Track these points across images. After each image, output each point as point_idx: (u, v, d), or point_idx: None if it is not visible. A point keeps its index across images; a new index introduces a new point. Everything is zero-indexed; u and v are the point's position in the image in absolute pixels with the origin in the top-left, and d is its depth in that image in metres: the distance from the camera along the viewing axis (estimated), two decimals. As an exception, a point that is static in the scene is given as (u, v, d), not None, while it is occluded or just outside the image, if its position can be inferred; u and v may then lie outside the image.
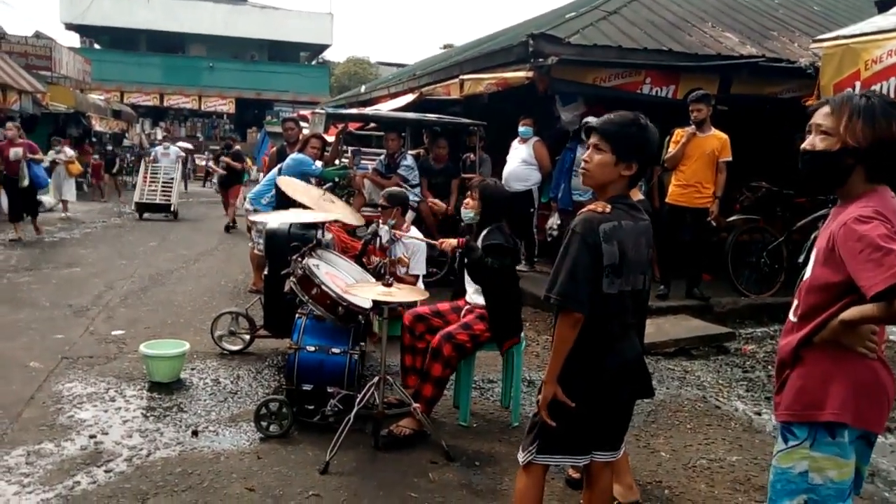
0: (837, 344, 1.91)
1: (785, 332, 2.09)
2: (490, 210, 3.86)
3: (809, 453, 1.96)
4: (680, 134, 6.26)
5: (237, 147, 14.44)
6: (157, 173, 14.68)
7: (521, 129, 7.63)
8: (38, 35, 20.27)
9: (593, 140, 2.37)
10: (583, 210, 2.37)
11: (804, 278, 2.03)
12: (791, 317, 2.07)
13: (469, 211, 3.91)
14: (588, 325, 2.27)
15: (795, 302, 2.06)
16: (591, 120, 3.07)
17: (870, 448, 2.05)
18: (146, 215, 14.20)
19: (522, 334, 4.11)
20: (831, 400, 1.92)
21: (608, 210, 2.30)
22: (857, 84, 5.66)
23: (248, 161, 19.46)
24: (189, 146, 17.18)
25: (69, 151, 14.50)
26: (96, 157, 19.31)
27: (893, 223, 1.83)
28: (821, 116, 1.96)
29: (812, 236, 6.89)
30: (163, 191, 14.51)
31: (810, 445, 1.95)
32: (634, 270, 2.35)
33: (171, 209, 14.32)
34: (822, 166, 1.96)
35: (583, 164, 2.42)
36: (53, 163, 13.65)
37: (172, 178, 14.74)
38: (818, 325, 1.93)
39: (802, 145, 2.00)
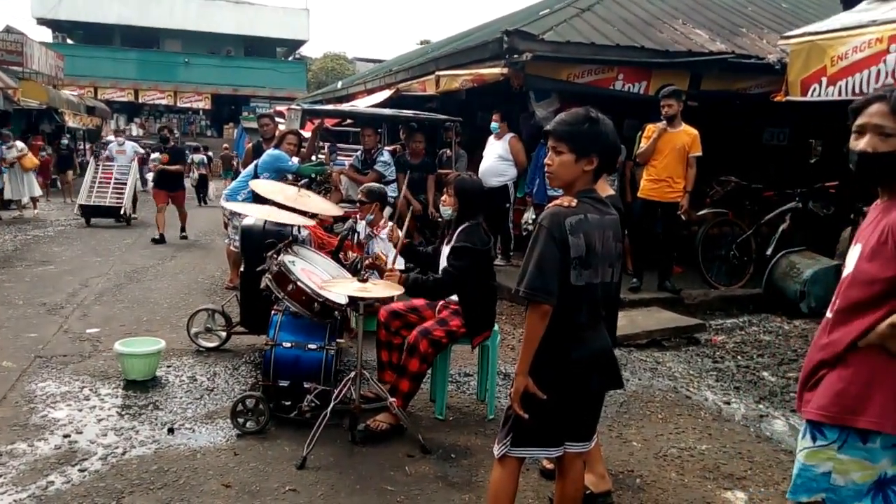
0: (883, 349, 1.87)
1: (822, 329, 2.04)
2: (466, 205, 3.89)
3: (836, 455, 1.93)
4: (651, 129, 6.35)
5: (182, 143, 12.42)
6: (109, 172, 12.91)
7: (492, 124, 7.71)
8: (8, 30, 19.88)
9: (551, 143, 2.42)
10: (550, 204, 2.42)
11: (844, 275, 2.00)
12: (828, 313, 2.03)
13: (447, 208, 3.94)
14: (556, 316, 2.32)
15: (834, 298, 2.03)
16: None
17: None
18: (94, 221, 12.48)
19: (497, 327, 4.16)
20: (872, 407, 1.88)
21: (574, 204, 2.36)
22: (823, 80, 5.80)
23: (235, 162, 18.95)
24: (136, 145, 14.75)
25: (20, 145, 13.65)
26: (44, 153, 17.03)
27: None
28: (878, 117, 1.89)
29: (779, 229, 7.07)
30: (115, 192, 12.68)
31: (838, 448, 1.93)
32: (602, 263, 2.40)
33: (122, 213, 12.51)
34: (886, 165, 1.90)
35: (546, 168, 2.47)
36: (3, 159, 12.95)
37: (127, 178, 12.94)
38: (866, 328, 1.89)
39: (859, 147, 1.93)
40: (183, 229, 11.10)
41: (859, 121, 1.95)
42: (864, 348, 1.89)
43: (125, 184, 12.85)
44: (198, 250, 10.13)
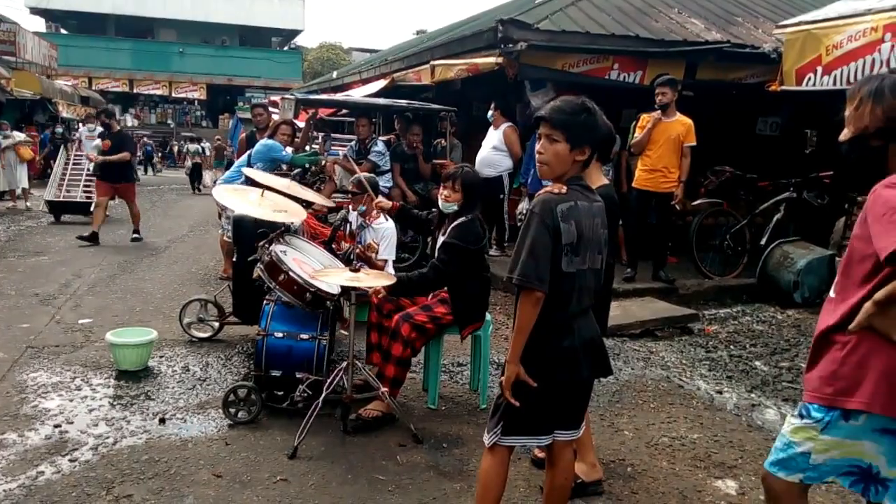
0: (873, 330, 1.84)
1: (824, 309, 2.06)
2: (469, 199, 3.82)
3: (818, 436, 1.95)
4: (646, 119, 6.34)
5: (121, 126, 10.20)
6: (80, 163, 11.65)
7: (488, 113, 7.72)
8: (1, 19, 19.77)
9: (545, 130, 2.37)
10: (540, 192, 2.41)
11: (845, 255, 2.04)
12: (831, 293, 2.05)
13: (452, 204, 3.83)
14: (547, 303, 2.31)
15: (837, 277, 2.05)
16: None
17: None
18: (64, 217, 11.29)
19: (489, 317, 4.15)
20: (864, 387, 1.88)
21: (564, 191, 2.35)
22: (819, 69, 5.79)
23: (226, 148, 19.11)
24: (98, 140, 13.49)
25: (18, 135, 13.23)
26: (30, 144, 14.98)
27: None
28: (846, 107, 1.99)
29: (774, 219, 7.07)
30: (86, 186, 11.30)
31: (821, 430, 1.95)
32: (592, 250, 2.39)
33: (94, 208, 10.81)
34: (851, 153, 1.97)
35: (538, 157, 2.42)
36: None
37: None
38: (851, 309, 1.89)
39: (839, 137, 2.03)
40: (136, 231, 9.71)
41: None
42: (854, 331, 1.87)
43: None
44: (192, 240, 10.11)
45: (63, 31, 37.52)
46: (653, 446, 3.73)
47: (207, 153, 21.66)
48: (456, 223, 3.79)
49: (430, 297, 4.06)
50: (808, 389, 2.02)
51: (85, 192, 11.42)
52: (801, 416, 2.01)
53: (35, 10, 35.62)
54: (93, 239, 9.12)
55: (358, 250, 4.11)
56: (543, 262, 2.28)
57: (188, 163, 20.15)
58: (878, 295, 1.78)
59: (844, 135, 1.98)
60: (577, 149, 2.35)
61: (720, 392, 4.57)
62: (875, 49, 5.23)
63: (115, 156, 9.27)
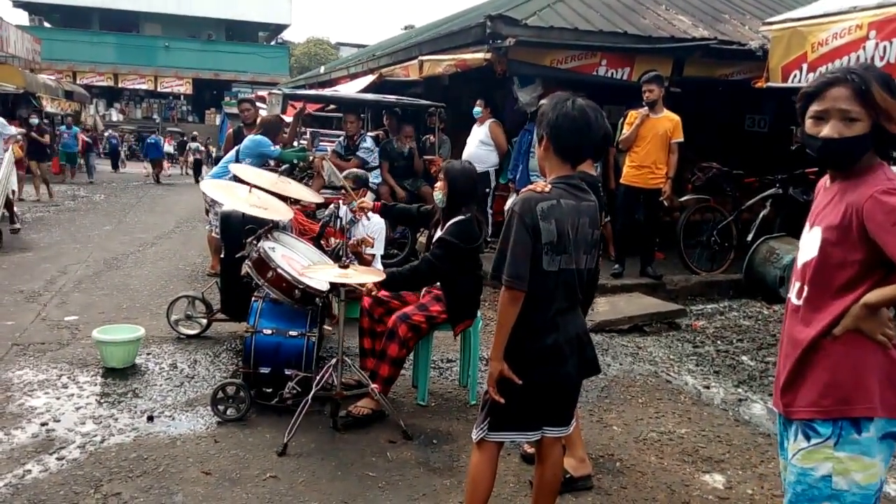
0: (861, 332, 1.80)
1: (791, 318, 1.96)
2: (456, 192, 3.80)
3: (833, 453, 1.82)
4: (633, 116, 6.36)
5: None
6: None
7: (474, 109, 7.72)
8: (-18, 12, 19.49)
9: None
10: (523, 190, 2.42)
11: (806, 259, 1.92)
12: (794, 300, 1.95)
13: (438, 192, 3.86)
14: (530, 301, 2.32)
15: (797, 284, 1.94)
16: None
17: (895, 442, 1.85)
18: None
19: (479, 313, 4.16)
20: (866, 393, 1.80)
21: (547, 189, 2.36)
22: (804, 66, 5.82)
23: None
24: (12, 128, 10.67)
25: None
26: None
27: None
28: (842, 101, 1.81)
29: (760, 215, 7.12)
30: None
31: (834, 444, 1.82)
32: (577, 249, 2.39)
33: None
34: (852, 150, 1.83)
35: None
36: None
37: None
38: (836, 317, 1.82)
39: (824, 133, 1.84)
40: None
41: (820, 106, 1.86)
42: (842, 335, 1.82)
43: None
44: (179, 237, 10.04)
45: (46, 24, 37.07)
46: (641, 441, 3.76)
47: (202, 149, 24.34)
48: (453, 220, 3.78)
49: (423, 295, 4.06)
50: (802, 406, 1.89)
51: None
52: (808, 438, 1.87)
53: (18, 4, 35.20)
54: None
55: (353, 241, 4.10)
56: (522, 261, 2.29)
57: (191, 158, 23.18)
58: (870, 297, 1.76)
59: (854, 130, 1.83)
60: (540, 140, 2.44)
61: (707, 387, 4.61)
62: (860, 46, 5.26)
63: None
